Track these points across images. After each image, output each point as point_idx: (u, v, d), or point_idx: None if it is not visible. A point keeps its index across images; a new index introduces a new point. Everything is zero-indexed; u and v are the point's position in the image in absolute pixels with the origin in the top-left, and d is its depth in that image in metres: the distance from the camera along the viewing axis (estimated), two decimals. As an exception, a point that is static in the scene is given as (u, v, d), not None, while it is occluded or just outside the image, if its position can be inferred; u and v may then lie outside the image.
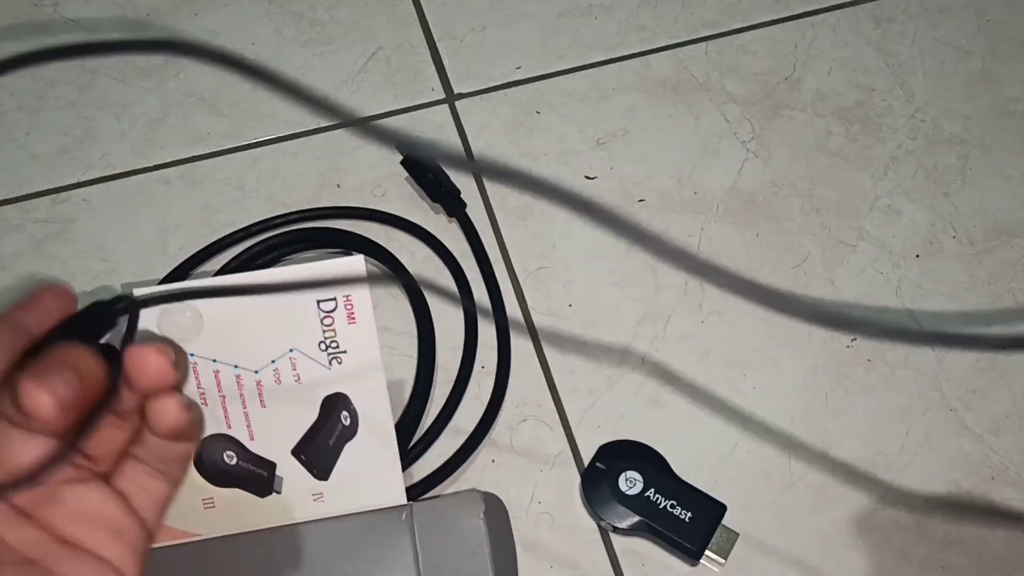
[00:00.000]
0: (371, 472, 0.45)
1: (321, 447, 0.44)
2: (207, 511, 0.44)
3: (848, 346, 0.53)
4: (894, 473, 0.50)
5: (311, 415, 0.44)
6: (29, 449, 0.28)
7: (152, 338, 0.37)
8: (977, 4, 0.64)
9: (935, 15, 0.63)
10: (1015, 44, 0.62)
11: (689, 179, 0.58)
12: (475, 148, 0.58)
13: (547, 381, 0.52)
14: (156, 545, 0.31)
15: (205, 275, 0.54)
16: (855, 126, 0.59)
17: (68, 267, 0.55)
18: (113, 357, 0.29)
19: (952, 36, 0.62)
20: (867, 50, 0.62)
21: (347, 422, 0.44)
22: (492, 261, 0.55)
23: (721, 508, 0.48)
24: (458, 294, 0.54)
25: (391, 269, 0.54)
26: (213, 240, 0.55)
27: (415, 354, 0.52)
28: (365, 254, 0.53)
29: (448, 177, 0.56)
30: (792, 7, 0.63)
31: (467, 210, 0.56)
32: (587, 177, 0.58)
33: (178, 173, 0.58)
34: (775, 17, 0.63)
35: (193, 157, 0.59)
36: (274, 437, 0.44)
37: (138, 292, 0.32)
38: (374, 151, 0.58)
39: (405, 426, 0.50)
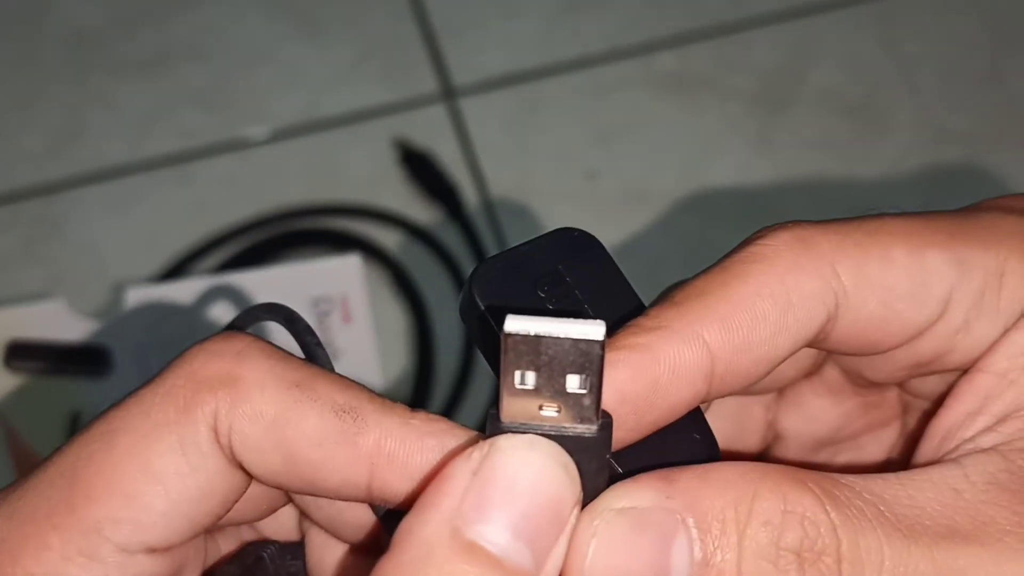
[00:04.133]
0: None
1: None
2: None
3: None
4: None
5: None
6: None
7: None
8: (983, 2, 0.63)
9: (941, 11, 0.62)
10: (1022, 41, 0.62)
11: (692, 177, 0.57)
12: (474, 145, 0.58)
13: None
14: None
15: (199, 274, 0.54)
16: (860, 123, 0.59)
17: (59, 267, 0.55)
18: None
19: (958, 33, 0.62)
20: (873, 47, 0.61)
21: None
22: (491, 261, 0.54)
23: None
24: (457, 294, 0.53)
25: (388, 268, 0.53)
26: (207, 239, 0.55)
27: (413, 355, 0.52)
28: (361, 253, 0.53)
29: (447, 175, 0.56)
30: (797, 3, 0.63)
31: (466, 208, 0.55)
32: (587, 176, 0.57)
33: (171, 171, 0.58)
34: (780, 13, 0.62)
35: (187, 155, 0.58)
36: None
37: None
38: (371, 148, 0.58)
39: (403, 429, 0.49)
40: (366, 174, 0.57)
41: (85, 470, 0.19)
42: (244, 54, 0.61)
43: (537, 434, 0.18)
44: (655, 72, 0.60)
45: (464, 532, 0.17)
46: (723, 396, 0.22)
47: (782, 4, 0.62)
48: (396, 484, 0.19)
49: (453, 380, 0.51)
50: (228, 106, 0.60)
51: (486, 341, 0.22)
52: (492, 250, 0.55)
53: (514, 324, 0.18)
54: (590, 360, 0.18)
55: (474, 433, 0.20)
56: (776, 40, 0.62)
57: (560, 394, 0.18)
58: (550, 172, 0.57)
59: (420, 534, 0.17)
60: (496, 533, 0.17)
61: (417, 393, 0.50)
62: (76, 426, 0.49)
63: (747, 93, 0.60)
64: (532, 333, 0.18)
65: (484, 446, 0.18)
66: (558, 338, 0.18)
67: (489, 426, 0.19)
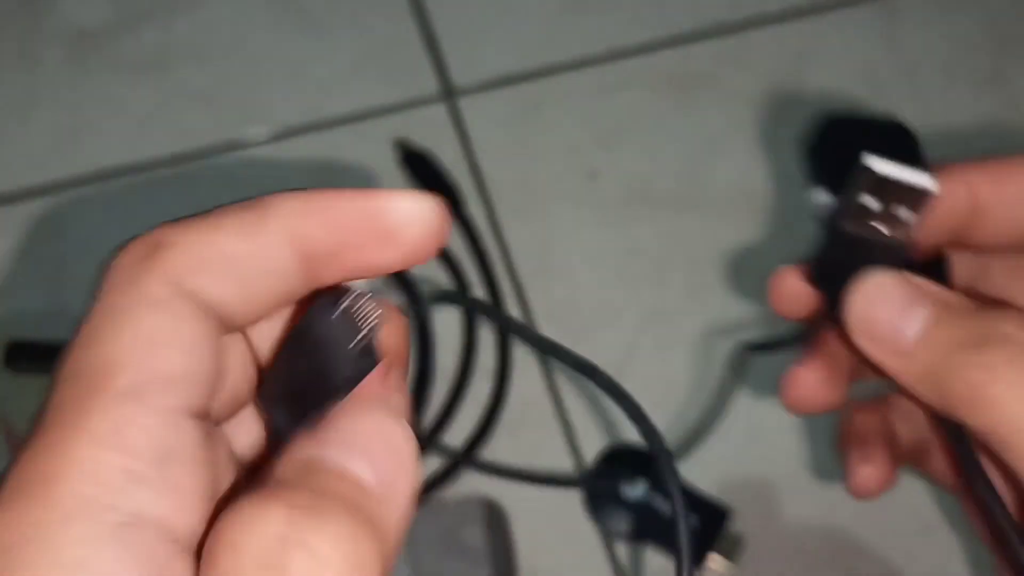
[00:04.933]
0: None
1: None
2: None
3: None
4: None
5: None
6: None
7: None
8: (986, 2, 0.63)
9: (943, 11, 0.62)
10: (1024, 41, 0.62)
11: (693, 177, 0.57)
12: (475, 145, 0.58)
13: (548, 383, 0.52)
14: None
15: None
16: (862, 123, 0.59)
17: (60, 267, 0.55)
18: None
19: (960, 33, 0.62)
20: (875, 48, 0.61)
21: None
22: (492, 261, 0.54)
23: (723, 513, 0.47)
24: (457, 295, 0.53)
25: (389, 269, 0.53)
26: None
27: (412, 355, 0.52)
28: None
29: (447, 175, 0.56)
30: (798, 3, 0.62)
31: (466, 208, 0.55)
32: (590, 175, 0.57)
33: (172, 172, 0.58)
34: (782, 13, 0.62)
35: (188, 155, 0.58)
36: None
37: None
38: (372, 149, 0.58)
39: (403, 429, 0.49)
40: (367, 174, 0.57)
41: (88, 364, 0.18)
42: (245, 54, 0.61)
43: (869, 238, 0.27)
44: (656, 72, 0.60)
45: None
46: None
47: (783, 4, 0.62)
48: (321, 252, 0.21)
49: (452, 380, 0.51)
50: (229, 106, 0.60)
51: (822, 168, 0.33)
52: (493, 250, 0.55)
53: (874, 163, 0.26)
54: (921, 203, 0.26)
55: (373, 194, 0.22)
56: (777, 40, 0.61)
57: (891, 216, 0.26)
58: (551, 172, 0.57)
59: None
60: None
61: (416, 393, 0.50)
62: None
63: (748, 93, 0.60)
64: (887, 174, 0.26)
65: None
66: (903, 181, 0.26)
67: (828, 231, 0.27)
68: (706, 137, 0.58)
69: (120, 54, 0.61)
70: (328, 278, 0.21)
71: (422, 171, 0.56)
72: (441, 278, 0.54)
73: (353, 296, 0.20)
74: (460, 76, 0.60)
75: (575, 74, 0.60)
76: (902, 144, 0.32)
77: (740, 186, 0.57)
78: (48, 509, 0.17)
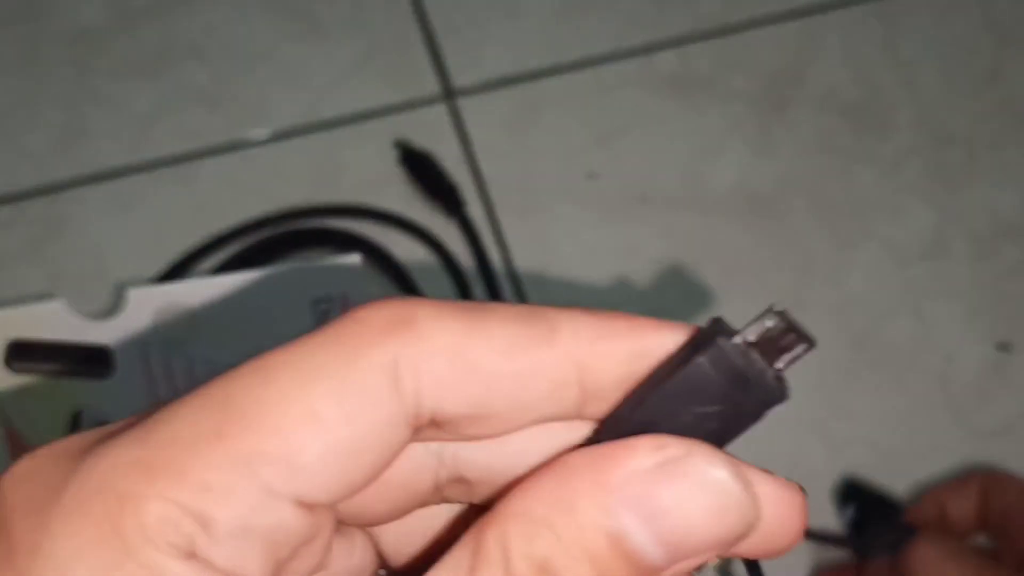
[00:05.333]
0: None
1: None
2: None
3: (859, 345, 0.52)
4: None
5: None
6: None
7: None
8: (985, 2, 0.63)
9: (942, 11, 0.62)
10: (1023, 41, 0.61)
11: (693, 177, 0.57)
12: (475, 145, 0.58)
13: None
14: None
15: (201, 275, 0.54)
16: (861, 124, 0.59)
17: (61, 267, 0.55)
18: None
19: (959, 33, 0.62)
20: (873, 47, 0.61)
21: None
22: (492, 261, 0.54)
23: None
24: (457, 295, 0.53)
25: (388, 269, 0.53)
26: (208, 239, 0.55)
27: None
28: (362, 254, 0.53)
29: (447, 175, 0.56)
30: (798, 3, 0.62)
31: (466, 209, 0.55)
32: (589, 176, 0.57)
33: (173, 171, 0.58)
34: (781, 14, 0.62)
35: (188, 155, 0.58)
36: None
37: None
38: (372, 149, 0.58)
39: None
40: (367, 174, 0.57)
41: (238, 400, 0.17)
42: (245, 54, 0.61)
43: None
44: (656, 72, 0.60)
45: (615, 512, 0.16)
46: None
47: (783, 4, 0.62)
48: (606, 385, 0.18)
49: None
50: (229, 106, 0.59)
51: (847, 498, 0.49)
52: (492, 250, 0.55)
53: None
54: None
55: (683, 326, 0.18)
56: (777, 40, 0.61)
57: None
58: (550, 172, 0.57)
59: (577, 481, 0.16)
60: (647, 535, 0.16)
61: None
62: (77, 427, 0.49)
63: (748, 93, 0.60)
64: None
65: (690, 450, 0.17)
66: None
67: (859, 536, 0.52)
68: (706, 137, 0.58)
69: (120, 54, 0.61)
70: (591, 413, 0.18)
71: (422, 171, 0.56)
72: (442, 278, 0.54)
73: (770, 319, 0.17)
74: (460, 76, 0.60)
75: (575, 74, 0.60)
76: (890, 509, 0.49)
77: (740, 186, 0.57)
78: (108, 545, 0.16)
